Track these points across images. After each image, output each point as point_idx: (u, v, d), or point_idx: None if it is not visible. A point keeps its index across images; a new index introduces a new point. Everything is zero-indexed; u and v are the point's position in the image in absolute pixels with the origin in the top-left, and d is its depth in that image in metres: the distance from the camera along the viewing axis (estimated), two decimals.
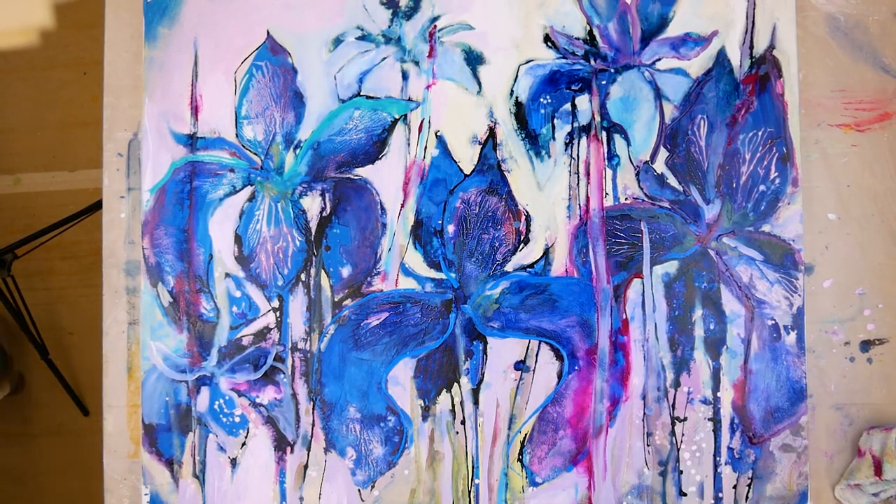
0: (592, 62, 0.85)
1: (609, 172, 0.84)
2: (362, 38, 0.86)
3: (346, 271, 0.85)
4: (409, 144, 0.86)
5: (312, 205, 0.86)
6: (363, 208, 0.86)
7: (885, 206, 0.84)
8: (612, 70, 0.85)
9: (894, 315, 0.83)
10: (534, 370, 0.84)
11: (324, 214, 0.86)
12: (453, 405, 0.84)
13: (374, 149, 0.86)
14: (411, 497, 0.84)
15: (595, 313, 0.84)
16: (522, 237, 0.84)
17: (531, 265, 0.84)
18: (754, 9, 0.84)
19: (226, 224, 0.86)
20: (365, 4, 0.86)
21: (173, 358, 0.86)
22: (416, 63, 0.86)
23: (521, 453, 0.84)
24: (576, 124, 0.85)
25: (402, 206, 0.85)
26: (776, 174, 0.83)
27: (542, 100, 0.85)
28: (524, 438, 0.84)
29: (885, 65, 0.84)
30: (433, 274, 0.85)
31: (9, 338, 1.63)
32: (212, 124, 0.87)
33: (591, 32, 0.85)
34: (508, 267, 0.84)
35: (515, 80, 0.85)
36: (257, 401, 0.85)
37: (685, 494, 0.83)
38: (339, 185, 0.86)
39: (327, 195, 0.86)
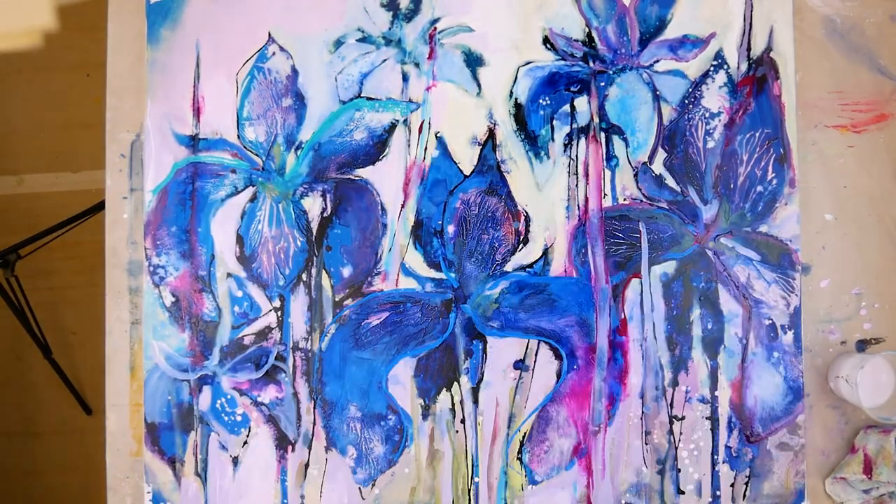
0: (591, 64, 0.85)
1: (608, 173, 0.85)
2: (363, 39, 0.87)
3: (346, 271, 0.86)
4: (409, 145, 0.86)
5: (313, 205, 0.87)
6: (364, 209, 0.86)
7: (882, 206, 0.85)
8: (611, 72, 0.85)
9: (891, 314, 0.84)
10: (533, 369, 0.84)
11: (325, 215, 0.86)
12: (453, 404, 0.85)
13: (374, 150, 0.86)
14: (411, 495, 0.85)
15: (594, 313, 0.84)
16: (522, 237, 0.85)
17: (530, 265, 0.85)
18: (751, 11, 0.84)
19: (227, 224, 0.87)
20: (366, 6, 0.87)
21: (175, 357, 0.86)
22: (417, 65, 0.87)
23: (520, 452, 0.84)
24: (575, 125, 0.85)
25: (403, 206, 0.86)
26: (773, 175, 0.84)
27: (541, 101, 0.86)
28: (523, 437, 0.84)
29: (882, 66, 0.85)
30: (433, 274, 0.85)
31: (13, 337, 1.63)
32: (214, 125, 0.87)
33: (589, 34, 0.85)
34: (508, 267, 0.85)
35: (515, 82, 0.86)
36: (259, 400, 0.86)
37: (683, 493, 0.83)
38: (340, 185, 0.86)
39: (328, 196, 0.86)
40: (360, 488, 0.85)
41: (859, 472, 0.79)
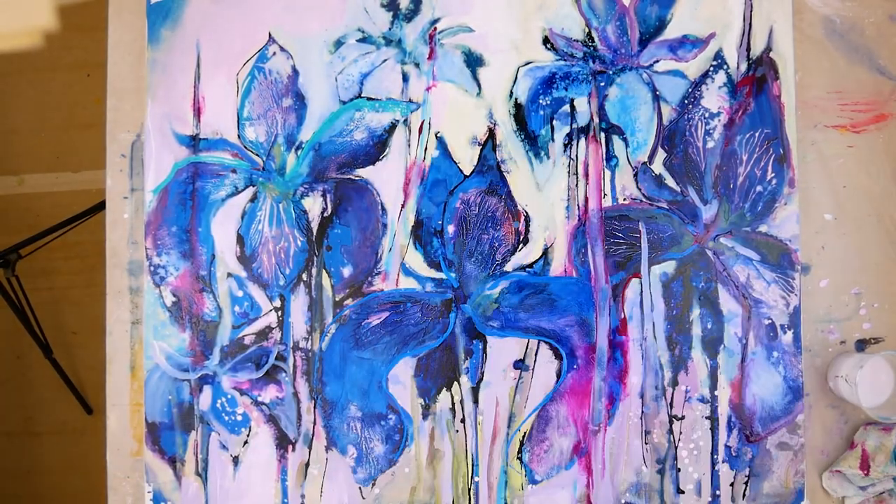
0: (591, 64, 0.86)
1: (607, 173, 0.85)
2: (363, 40, 0.87)
3: (346, 271, 0.86)
4: (409, 145, 0.86)
5: (314, 205, 0.87)
6: (364, 209, 0.86)
7: (881, 206, 0.85)
8: (611, 72, 0.85)
9: (890, 314, 0.84)
10: (533, 369, 0.85)
11: (325, 215, 0.86)
12: (453, 404, 0.85)
13: (374, 150, 0.87)
14: (412, 495, 0.85)
15: (594, 313, 0.84)
16: (522, 237, 0.85)
17: (530, 265, 0.85)
18: (751, 11, 0.84)
19: (228, 224, 0.87)
20: (366, 7, 0.87)
21: (176, 357, 0.86)
22: (417, 65, 0.87)
23: (520, 451, 0.85)
24: (574, 125, 0.85)
25: (403, 206, 0.86)
26: (773, 175, 0.84)
27: (541, 101, 0.86)
28: (523, 436, 0.85)
29: (881, 66, 0.85)
30: (433, 274, 0.86)
31: (13, 337, 1.64)
32: (214, 125, 0.88)
33: (589, 34, 0.86)
34: (508, 267, 0.85)
35: (515, 82, 0.86)
36: (259, 399, 0.86)
37: (683, 492, 0.83)
38: (341, 185, 0.86)
39: (328, 196, 0.86)
40: (360, 488, 0.85)
41: (856, 468, 0.80)
